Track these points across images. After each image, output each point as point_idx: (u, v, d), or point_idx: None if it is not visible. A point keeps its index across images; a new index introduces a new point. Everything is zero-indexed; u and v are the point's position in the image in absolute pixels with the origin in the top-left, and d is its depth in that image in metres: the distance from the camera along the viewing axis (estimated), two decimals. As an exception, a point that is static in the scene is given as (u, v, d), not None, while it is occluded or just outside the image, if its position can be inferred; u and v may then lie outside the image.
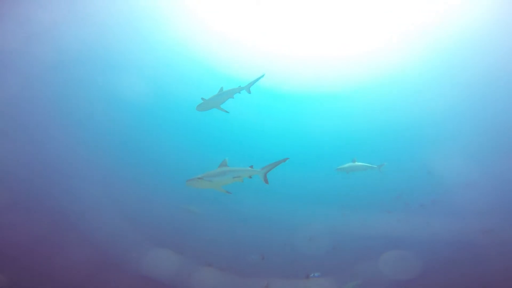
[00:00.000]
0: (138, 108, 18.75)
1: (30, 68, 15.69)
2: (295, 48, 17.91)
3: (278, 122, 21.03)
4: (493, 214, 13.44)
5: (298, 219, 15.10)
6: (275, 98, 20.68)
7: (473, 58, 16.61)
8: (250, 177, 6.65)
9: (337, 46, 17.35)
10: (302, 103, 20.73)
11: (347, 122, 19.72)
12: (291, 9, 15.99)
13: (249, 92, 8.54)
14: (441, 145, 17.54)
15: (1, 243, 11.04)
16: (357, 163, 10.65)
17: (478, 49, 16.09)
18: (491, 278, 10.53)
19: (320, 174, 18.53)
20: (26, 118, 16.62)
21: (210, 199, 15.63)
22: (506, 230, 12.32)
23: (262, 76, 8.41)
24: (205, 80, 19.42)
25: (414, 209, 14.61)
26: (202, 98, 8.13)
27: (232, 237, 14.16)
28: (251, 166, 6.63)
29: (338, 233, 13.43)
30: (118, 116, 18.47)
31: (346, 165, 10.64)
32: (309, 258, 12.23)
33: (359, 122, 19.58)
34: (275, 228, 14.64)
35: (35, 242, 11.48)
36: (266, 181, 6.68)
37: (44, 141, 16.57)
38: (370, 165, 10.85)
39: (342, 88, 19.36)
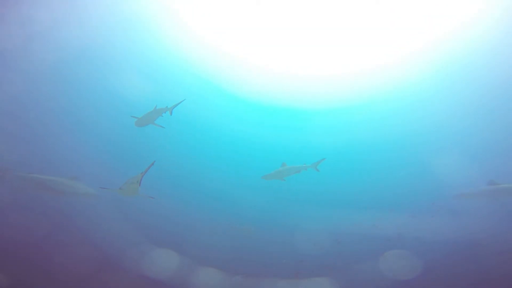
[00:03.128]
0: (139, 108, 18.76)
1: (30, 68, 15.71)
2: (298, 64, 17.97)
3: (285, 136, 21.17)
4: (494, 214, 13.44)
5: (297, 219, 15.13)
6: (281, 112, 20.92)
7: (479, 74, 16.61)
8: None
9: (336, 63, 17.39)
10: (307, 116, 20.87)
11: (353, 134, 19.87)
12: (292, 24, 15.89)
13: (171, 114, 9.84)
14: (442, 150, 17.63)
15: (1, 243, 11.06)
16: (286, 167, 10.19)
17: (484, 64, 16.06)
18: (492, 279, 10.50)
19: (320, 176, 18.68)
20: (26, 117, 16.65)
21: (210, 200, 15.66)
22: (507, 231, 12.30)
23: (183, 100, 9.75)
24: (204, 93, 19.60)
25: (414, 209, 14.61)
26: (132, 116, 9.62)
27: (232, 237, 14.18)
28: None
29: (338, 234, 13.45)
30: (118, 116, 18.52)
31: (273, 171, 10.21)
32: (309, 259, 12.24)
33: (363, 134, 19.73)
34: (274, 228, 14.67)
35: (35, 242, 11.48)
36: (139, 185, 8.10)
37: (44, 141, 16.61)
38: (303, 165, 10.39)
39: (346, 102, 19.55)
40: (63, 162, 16.78)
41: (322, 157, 11.41)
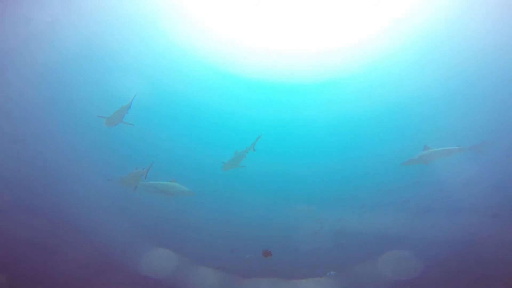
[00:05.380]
0: (138, 108, 18.75)
1: (29, 68, 15.71)
2: (286, 41, 17.77)
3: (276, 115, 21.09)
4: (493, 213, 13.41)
5: (297, 218, 15.14)
6: (271, 91, 20.74)
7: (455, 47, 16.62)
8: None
9: (318, 38, 17.20)
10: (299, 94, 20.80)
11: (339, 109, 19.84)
12: (277, 5, 15.74)
13: (130, 108, 10.41)
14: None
15: (1, 243, 11.09)
16: (237, 153, 10.51)
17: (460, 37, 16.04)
18: (491, 278, 10.48)
19: (318, 172, 18.72)
20: (27, 118, 16.66)
21: (210, 200, 15.67)
22: (506, 229, 12.27)
23: (135, 94, 10.43)
24: (206, 79, 19.49)
25: (413, 209, 14.59)
26: (99, 116, 10.23)
27: (232, 237, 14.20)
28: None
29: (337, 233, 13.46)
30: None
31: (227, 161, 10.65)
32: (309, 258, 12.25)
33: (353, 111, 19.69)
34: (274, 228, 14.68)
35: (35, 242, 11.52)
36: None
37: (44, 141, 16.62)
38: (245, 148, 10.51)
39: (330, 78, 19.36)
40: (64, 162, 16.81)
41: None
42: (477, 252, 11.18)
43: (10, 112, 16.02)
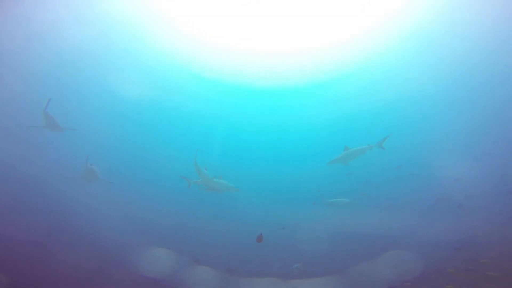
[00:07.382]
0: (138, 109, 18.81)
1: (29, 68, 15.73)
2: (270, 44, 17.58)
3: (269, 119, 21.04)
4: (493, 211, 13.40)
5: (295, 217, 15.14)
6: (264, 96, 20.69)
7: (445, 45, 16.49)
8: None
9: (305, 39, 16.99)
10: (290, 98, 20.74)
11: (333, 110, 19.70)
12: (264, 8, 15.56)
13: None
14: (446, 147, 17.59)
15: (1, 243, 11.12)
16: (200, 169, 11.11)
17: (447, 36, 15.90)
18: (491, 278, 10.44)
19: (316, 171, 18.72)
20: (27, 118, 16.68)
21: (210, 201, 15.67)
22: (506, 228, 12.27)
23: (50, 99, 10.96)
24: (188, 84, 19.44)
25: (413, 208, 14.58)
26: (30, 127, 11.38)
27: (231, 237, 14.22)
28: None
29: (337, 233, 13.46)
30: (116, 117, 18.55)
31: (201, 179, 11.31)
32: (307, 258, 12.25)
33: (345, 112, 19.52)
34: (273, 227, 14.69)
35: (36, 242, 11.55)
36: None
37: (44, 142, 16.65)
38: (195, 164, 11.04)
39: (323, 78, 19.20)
40: (64, 162, 16.83)
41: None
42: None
43: (12, 111, 16.06)
